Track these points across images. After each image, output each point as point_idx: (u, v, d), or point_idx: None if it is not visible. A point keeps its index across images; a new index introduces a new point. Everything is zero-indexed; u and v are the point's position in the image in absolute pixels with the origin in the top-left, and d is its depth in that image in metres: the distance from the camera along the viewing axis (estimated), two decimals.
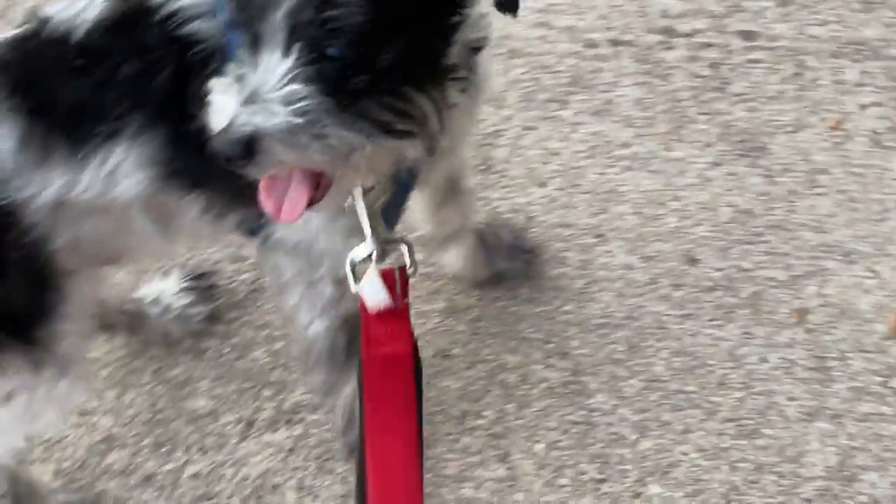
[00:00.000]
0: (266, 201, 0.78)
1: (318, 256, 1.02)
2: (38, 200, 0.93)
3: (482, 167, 1.22)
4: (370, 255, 0.87)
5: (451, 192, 1.12)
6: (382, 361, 0.85)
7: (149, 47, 0.91)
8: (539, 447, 1.07)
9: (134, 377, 1.21)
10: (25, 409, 1.05)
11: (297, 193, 0.77)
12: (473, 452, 1.08)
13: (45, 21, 0.92)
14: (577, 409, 1.09)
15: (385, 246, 0.87)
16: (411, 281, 0.89)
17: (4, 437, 1.07)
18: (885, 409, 1.07)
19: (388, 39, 0.72)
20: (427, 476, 0.93)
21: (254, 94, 0.72)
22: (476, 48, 0.84)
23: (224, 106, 0.74)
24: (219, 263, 1.25)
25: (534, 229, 1.18)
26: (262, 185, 0.77)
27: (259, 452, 1.11)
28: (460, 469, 1.07)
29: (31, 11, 0.91)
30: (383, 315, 0.89)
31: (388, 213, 0.93)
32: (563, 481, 1.06)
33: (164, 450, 1.13)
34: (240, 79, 0.74)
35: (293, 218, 0.78)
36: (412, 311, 0.91)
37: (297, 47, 0.71)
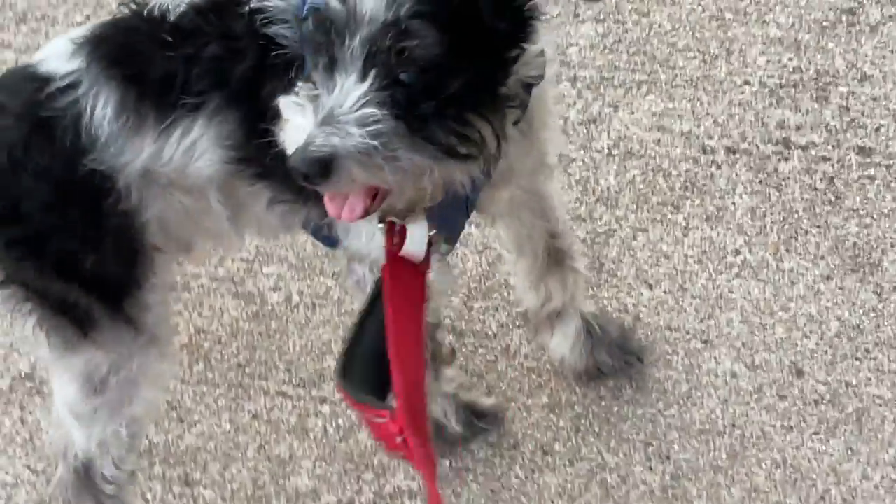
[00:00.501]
0: (329, 204, 0.85)
1: (375, 261, 1.10)
2: (131, 168, 1.00)
3: (593, 266, 1.27)
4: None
5: (556, 265, 1.17)
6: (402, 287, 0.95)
7: (235, 34, 0.98)
8: None
9: (238, 452, 1.27)
10: (125, 387, 1.11)
11: (357, 200, 0.84)
12: None
13: (143, 4, 1.00)
14: None
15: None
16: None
17: (114, 425, 1.13)
18: None
19: (456, 69, 0.79)
20: None
21: (330, 115, 0.77)
22: (530, 84, 0.90)
23: (300, 125, 0.80)
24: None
25: (640, 330, 1.22)
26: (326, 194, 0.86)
27: None
28: None
29: None
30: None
31: (448, 227, 1.02)
32: None
33: None
34: (314, 99, 0.79)
35: (352, 219, 0.85)
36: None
37: (372, 73, 0.76)
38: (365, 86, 0.77)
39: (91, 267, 1.02)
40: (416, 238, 0.96)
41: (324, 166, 0.78)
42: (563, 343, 1.22)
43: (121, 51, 1.00)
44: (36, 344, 1.07)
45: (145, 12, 0.99)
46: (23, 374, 1.37)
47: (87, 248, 1.01)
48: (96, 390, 1.09)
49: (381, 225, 0.95)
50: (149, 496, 1.26)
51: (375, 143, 0.76)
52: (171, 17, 0.97)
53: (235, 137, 0.99)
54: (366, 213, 0.84)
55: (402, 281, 0.95)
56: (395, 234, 0.95)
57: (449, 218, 1.00)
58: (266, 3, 0.92)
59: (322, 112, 0.78)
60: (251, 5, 0.93)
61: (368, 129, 0.76)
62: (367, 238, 1.03)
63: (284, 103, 0.83)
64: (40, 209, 0.98)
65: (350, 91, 0.78)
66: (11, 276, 1.02)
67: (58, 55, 1.00)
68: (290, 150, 0.80)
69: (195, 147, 0.99)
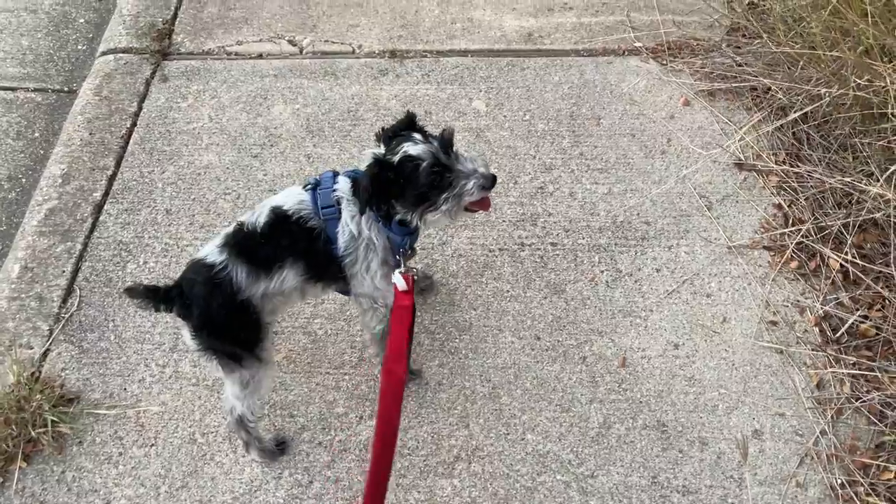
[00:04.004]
0: (487, 201, 2.19)
1: (377, 297, 2.30)
2: (257, 294, 2.20)
3: None
4: (401, 272, 2.17)
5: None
6: (401, 304, 2.12)
7: (292, 231, 2.14)
8: None
9: (315, 395, 2.60)
10: (257, 384, 2.30)
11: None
12: None
13: (242, 223, 2.18)
14: None
15: (408, 269, 2.20)
16: (414, 279, 2.19)
17: (252, 400, 2.36)
18: None
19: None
20: None
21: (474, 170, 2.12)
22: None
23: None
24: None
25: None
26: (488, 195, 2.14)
27: None
28: None
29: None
30: (402, 291, 2.15)
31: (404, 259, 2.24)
32: None
33: None
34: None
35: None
36: None
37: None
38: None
39: (242, 336, 2.29)
40: (399, 282, 2.22)
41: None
42: None
43: (242, 247, 2.22)
44: (217, 370, 2.37)
45: (246, 228, 2.23)
46: (213, 382, 2.70)
47: (241, 330, 2.26)
48: (245, 385, 2.39)
49: (401, 270, 2.18)
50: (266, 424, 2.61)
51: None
52: (259, 229, 2.22)
53: (304, 270, 2.20)
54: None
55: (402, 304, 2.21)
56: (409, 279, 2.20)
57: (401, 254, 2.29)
58: (299, 212, 2.19)
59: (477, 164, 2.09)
60: (294, 217, 2.18)
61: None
62: (369, 287, 2.30)
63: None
64: (222, 318, 2.20)
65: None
66: (207, 345, 2.28)
67: (213, 252, 2.22)
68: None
69: (285, 279, 2.21)
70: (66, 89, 4.07)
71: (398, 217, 2.15)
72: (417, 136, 2.10)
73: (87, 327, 2.94)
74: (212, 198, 3.28)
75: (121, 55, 3.83)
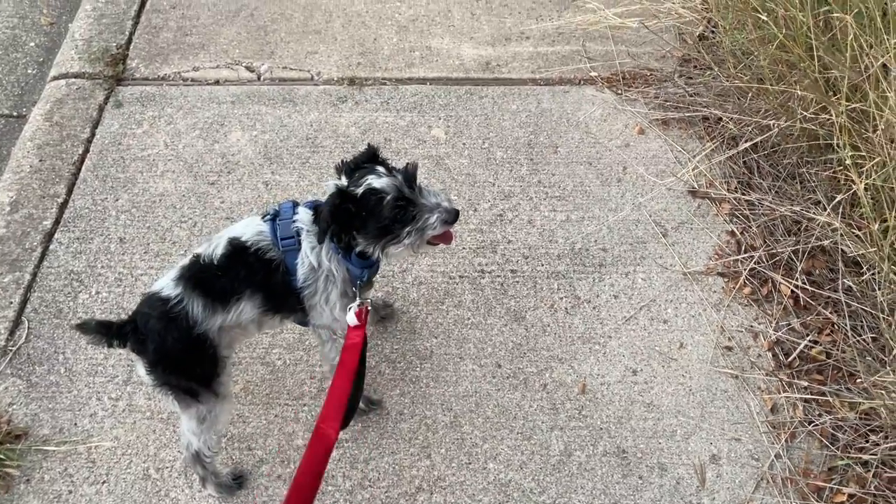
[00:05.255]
0: (448, 235, 2.16)
1: (336, 328, 2.31)
2: (214, 328, 2.20)
3: None
4: (356, 305, 2.16)
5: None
6: (348, 345, 2.11)
7: (250, 263, 2.14)
8: None
9: (271, 430, 2.56)
10: (214, 419, 2.29)
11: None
12: None
13: (198, 255, 2.15)
14: None
15: (362, 301, 2.19)
16: (368, 310, 2.19)
17: (209, 435, 2.32)
18: None
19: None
20: None
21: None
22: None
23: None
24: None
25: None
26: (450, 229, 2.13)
27: None
28: None
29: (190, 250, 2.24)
30: (353, 327, 2.16)
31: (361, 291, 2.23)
32: None
33: None
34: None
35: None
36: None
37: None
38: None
39: (199, 371, 2.24)
40: (350, 318, 2.21)
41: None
42: None
43: (198, 280, 2.18)
44: (173, 405, 2.31)
45: (202, 260, 2.19)
46: (168, 415, 2.63)
47: (197, 364, 2.22)
48: (202, 421, 2.34)
49: (354, 306, 2.19)
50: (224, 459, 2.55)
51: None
52: (216, 261, 2.18)
53: (261, 302, 2.18)
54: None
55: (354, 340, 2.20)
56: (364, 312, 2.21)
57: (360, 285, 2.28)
58: (258, 244, 2.16)
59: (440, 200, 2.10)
60: (252, 248, 2.16)
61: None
62: (328, 318, 2.28)
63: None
64: (178, 353, 2.16)
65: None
66: (162, 380, 2.23)
67: (168, 286, 2.17)
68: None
69: (243, 311, 2.18)
70: (14, 114, 3.97)
71: (358, 249, 2.14)
72: (381, 168, 2.10)
73: (36, 360, 2.85)
74: (167, 226, 3.23)
75: (73, 80, 3.76)
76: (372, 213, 2.06)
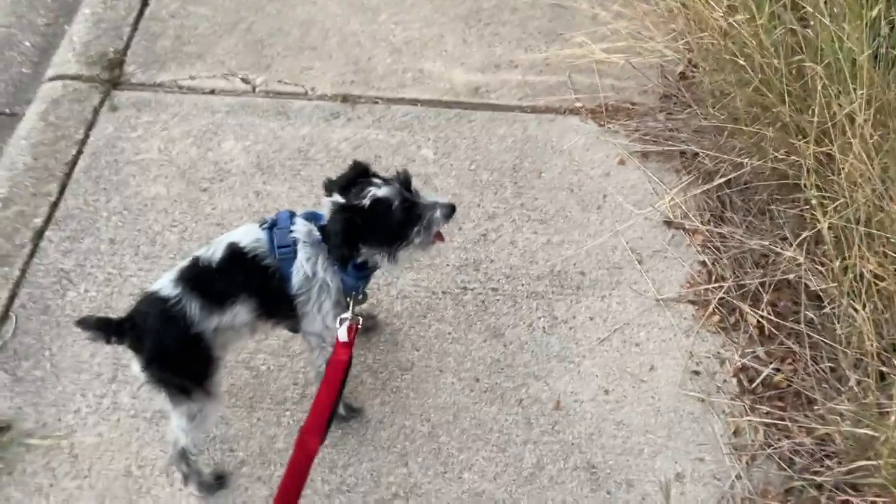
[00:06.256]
0: (439, 235, 2.32)
1: (326, 336, 2.35)
2: (209, 329, 2.21)
3: None
4: (347, 319, 2.22)
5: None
6: (334, 361, 2.16)
7: (247, 268, 2.23)
8: None
9: (254, 430, 2.63)
10: (204, 417, 2.32)
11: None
12: None
13: (198, 258, 2.24)
14: None
15: (353, 316, 2.25)
16: (358, 328, 2.26)
17: (197, 433, 2.37)
18: None
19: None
20: None
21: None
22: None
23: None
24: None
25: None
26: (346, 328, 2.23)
27: None
28: None
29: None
30: (342, 343, 2.20)
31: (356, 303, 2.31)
32: None
33: None
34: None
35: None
36: None
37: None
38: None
39: (193, 370, 2.31)
40: (341, 333, 2.30)
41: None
42: None
43: (196, 281, 2.26)
44: (164, 402, 2.38)
45: (201, 263, 2.27)
46: (158, 413, 2.69)
47: (192, 363, 2.29)
48: (192, 418, 2.41)
49: (347, 319, 2.24)
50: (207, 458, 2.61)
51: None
52: (214, 264, 2.26)
53: (256, 307, 2.27)
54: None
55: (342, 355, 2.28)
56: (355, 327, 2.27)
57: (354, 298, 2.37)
58: (256, 250, 2.25)
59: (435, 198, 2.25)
60: (251, 253, 2.25)
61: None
62: (320, 326, 2.37)
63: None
64: (174, 351, 2.24)
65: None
66: (157, 377, 2.29)
67: (167, 286, 2.25)
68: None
69: (238, 314, 2.26)
70: (7, 111, 4.02)
71: (359, 260, 2.24)
72: (377, 180, 2.21)
73: (22, 355, 2.89)
74: (158, 229, 3.30)
75: (69, 82, 3.82)
76: (382, 221, 2.17)
